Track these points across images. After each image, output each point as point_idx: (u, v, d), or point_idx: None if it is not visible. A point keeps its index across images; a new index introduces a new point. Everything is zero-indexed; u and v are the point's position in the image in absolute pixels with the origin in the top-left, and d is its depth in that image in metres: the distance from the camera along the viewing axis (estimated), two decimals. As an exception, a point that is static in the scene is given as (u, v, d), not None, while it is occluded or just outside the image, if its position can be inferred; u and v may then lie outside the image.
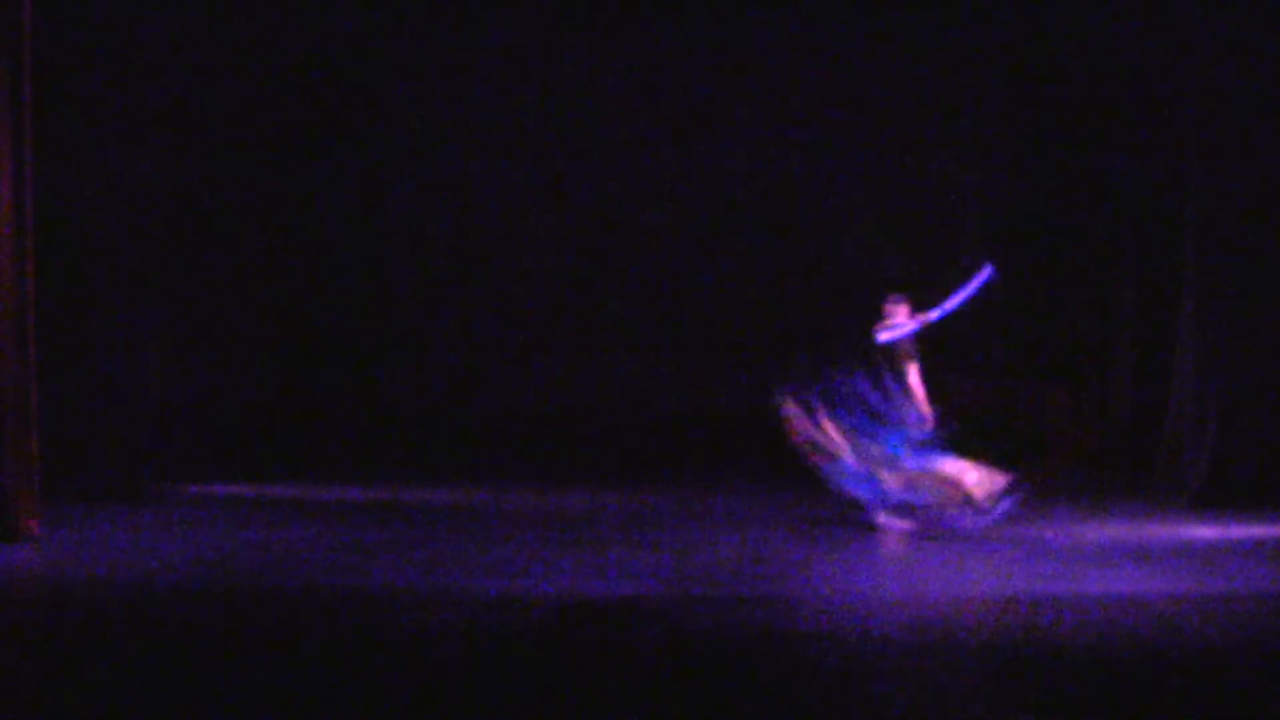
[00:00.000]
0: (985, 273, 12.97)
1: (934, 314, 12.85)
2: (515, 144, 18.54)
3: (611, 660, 8.81)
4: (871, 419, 12.79)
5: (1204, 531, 12.85)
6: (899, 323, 12.85)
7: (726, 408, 18.19)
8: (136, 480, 14.66)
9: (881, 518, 12.85)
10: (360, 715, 7.57)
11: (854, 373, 12.78)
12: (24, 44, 12.10)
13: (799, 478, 12.93)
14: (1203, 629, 9.36)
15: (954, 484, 12.63)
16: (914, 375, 12.84)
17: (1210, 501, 14.14)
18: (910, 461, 12.72)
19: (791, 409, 12.90)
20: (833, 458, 12.78)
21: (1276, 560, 11.47)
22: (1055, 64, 17.66)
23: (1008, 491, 12.60)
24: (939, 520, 12.65)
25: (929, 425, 12.72)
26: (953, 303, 12.87)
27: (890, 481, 12.72)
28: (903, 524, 12.79)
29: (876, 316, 12.95)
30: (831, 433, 12.81)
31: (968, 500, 12.58)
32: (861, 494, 12.78)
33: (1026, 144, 18.18)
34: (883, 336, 12.85)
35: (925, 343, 12.95)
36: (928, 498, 12.73)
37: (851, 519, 12.91)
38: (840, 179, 18.61)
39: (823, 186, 18.59)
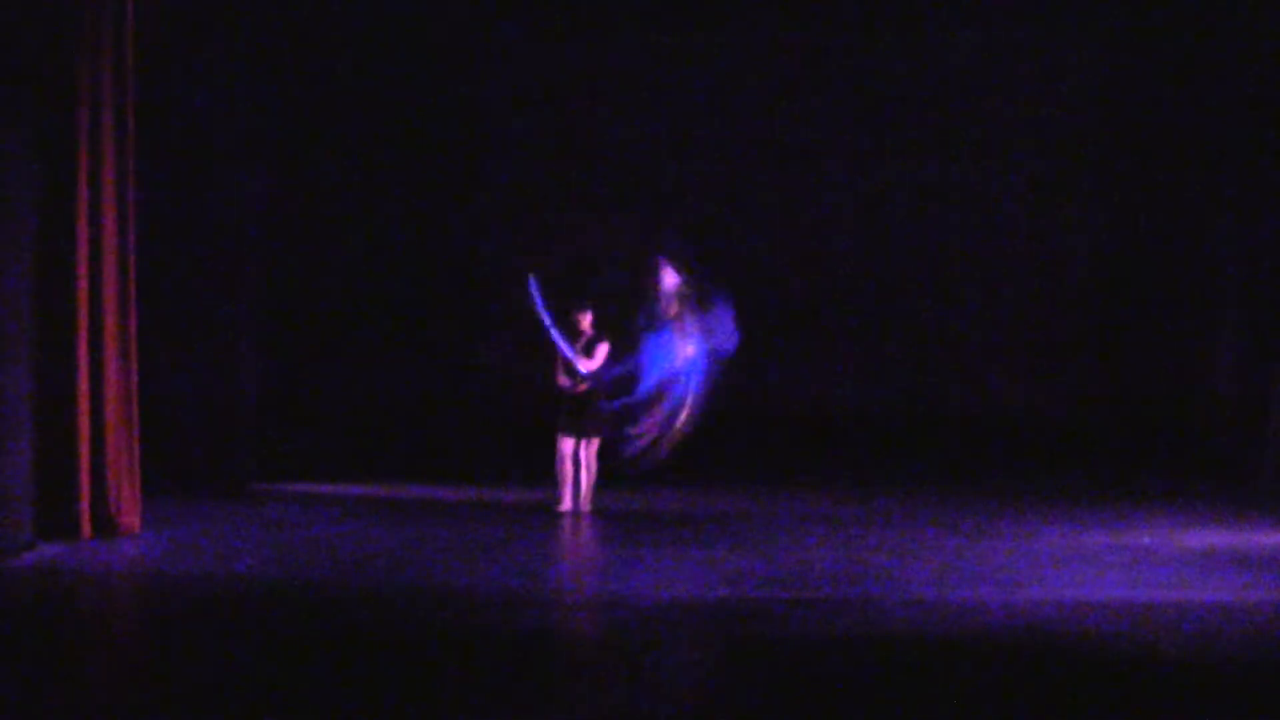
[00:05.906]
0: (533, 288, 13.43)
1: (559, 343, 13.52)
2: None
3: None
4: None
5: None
6: (583, 330, 13.59)
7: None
8: (238, 478, 14.85)
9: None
10: (441, 713, 7.61)
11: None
12: (127, 47, 12.29)
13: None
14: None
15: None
16: (599, 359, 13.50)
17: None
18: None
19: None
20: None
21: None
22: (1161, 77, 17.54)
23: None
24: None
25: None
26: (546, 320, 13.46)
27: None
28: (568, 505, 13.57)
29: None
30: None
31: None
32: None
33: (1130, 163, 18.07)
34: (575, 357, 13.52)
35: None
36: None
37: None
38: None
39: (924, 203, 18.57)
